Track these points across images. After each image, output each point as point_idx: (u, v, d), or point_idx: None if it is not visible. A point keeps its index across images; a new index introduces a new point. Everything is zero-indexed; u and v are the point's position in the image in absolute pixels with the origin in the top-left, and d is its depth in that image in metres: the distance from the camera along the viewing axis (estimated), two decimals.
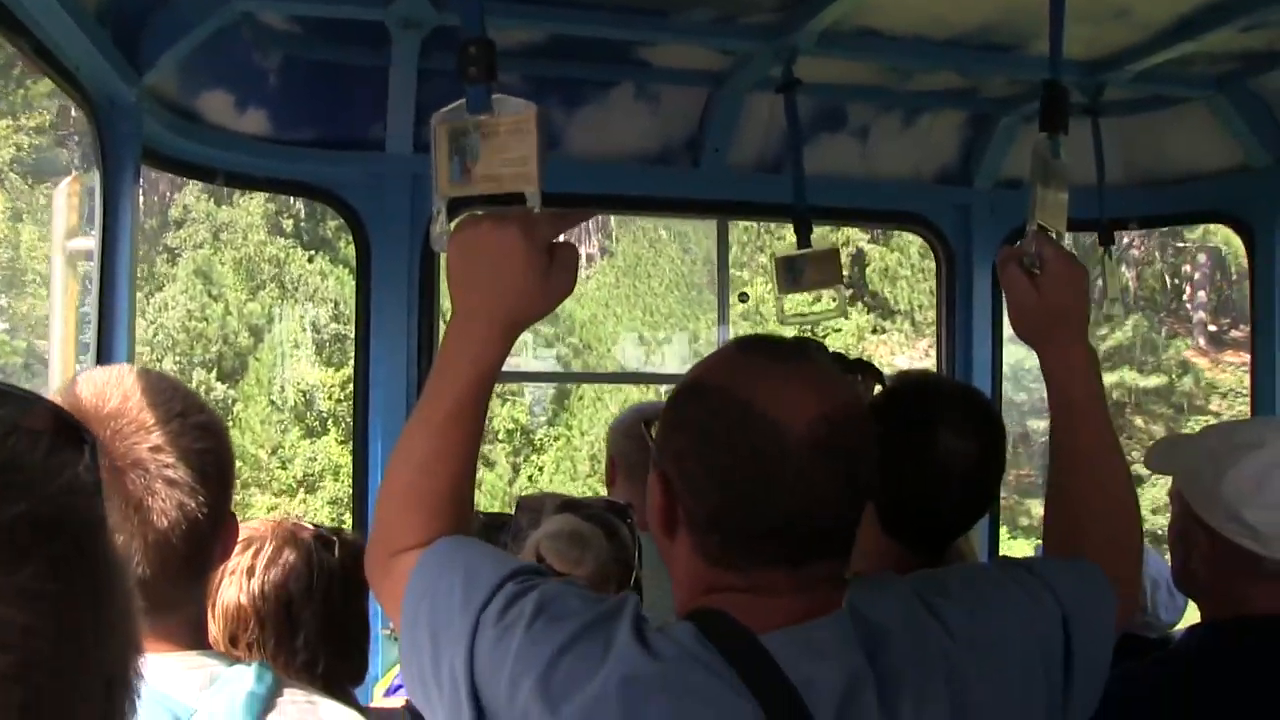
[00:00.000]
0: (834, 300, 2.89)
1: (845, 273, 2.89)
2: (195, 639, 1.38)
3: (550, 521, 1.83)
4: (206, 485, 1.34)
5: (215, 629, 1.67)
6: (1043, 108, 1.63)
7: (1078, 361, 1.53)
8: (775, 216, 3.03)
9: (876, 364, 2.40)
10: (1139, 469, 1.96)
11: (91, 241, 2.39)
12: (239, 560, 1.70)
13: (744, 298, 3.26)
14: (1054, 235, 1.56)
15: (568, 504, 1.89)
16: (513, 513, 1.95)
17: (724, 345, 1.34)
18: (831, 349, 2.47)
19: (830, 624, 1.17)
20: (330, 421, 22.27)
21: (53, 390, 1.40)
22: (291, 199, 22.90)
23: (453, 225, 1.37)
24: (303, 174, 3.00)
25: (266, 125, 2.85)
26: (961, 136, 3.45)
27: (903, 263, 25.10)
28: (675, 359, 23.82)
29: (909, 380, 1.96)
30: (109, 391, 1.28)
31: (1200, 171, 3.32)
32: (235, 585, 1.67)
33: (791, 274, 2.72)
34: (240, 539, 1.74)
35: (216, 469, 1.37)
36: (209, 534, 1.37)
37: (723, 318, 3.50)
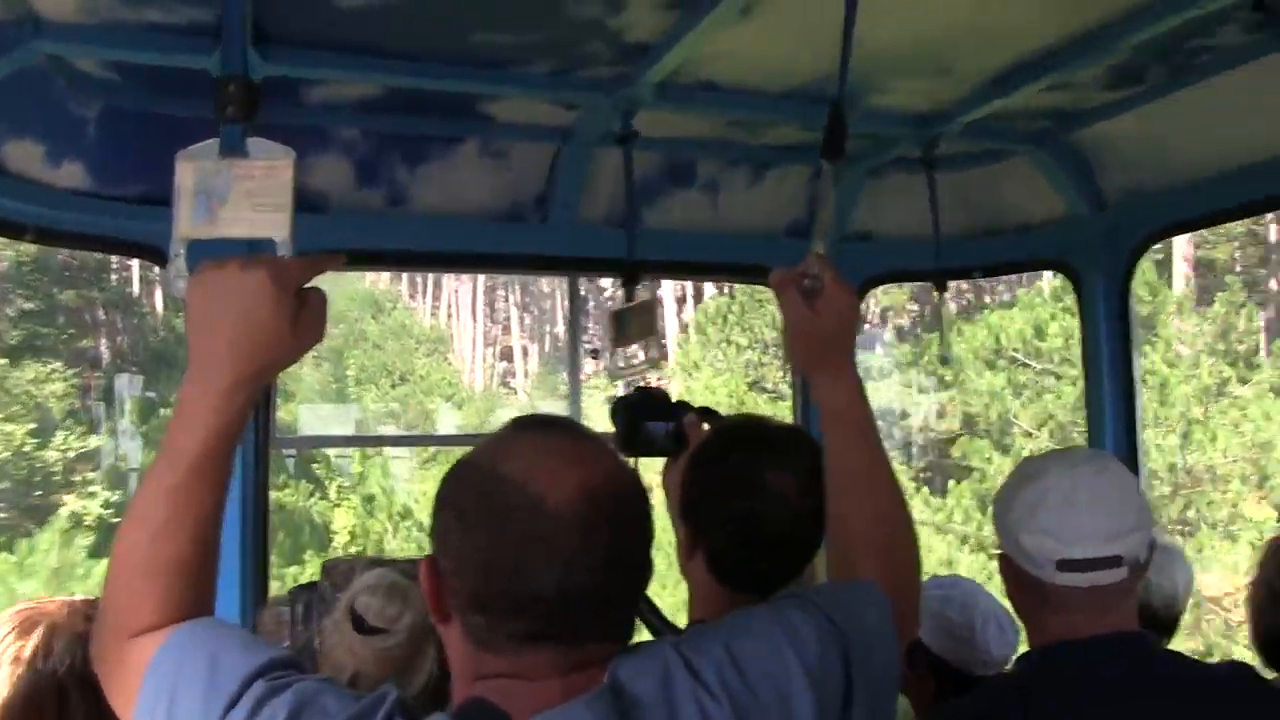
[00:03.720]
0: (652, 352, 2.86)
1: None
2: None
3: (365, 576, 1.73)
4: None
5: None
6: (825, 134, 1.62)
7: (850, 385, 1.56)
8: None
9: None
10: None
11: None
12: (16, 645, 1.54)
13: (595, 355, 3.23)
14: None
15: (379, 561, 1.79)
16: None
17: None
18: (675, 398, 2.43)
19: (588, 703, 1.11)
20: None
21: None
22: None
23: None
24: (127, 231, 2.84)
25: (86, 178, 2.70)
26: (809, 190, 3.51)
27: None
28: None
29: (733, 423, 1.95)
30: None
31: (1032, 221, 3.46)
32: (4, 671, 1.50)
33: (620, 328, 2.72)
34: (19, 621, 1.59)
35: None
36: None
37: (574, 377, 3.45)
